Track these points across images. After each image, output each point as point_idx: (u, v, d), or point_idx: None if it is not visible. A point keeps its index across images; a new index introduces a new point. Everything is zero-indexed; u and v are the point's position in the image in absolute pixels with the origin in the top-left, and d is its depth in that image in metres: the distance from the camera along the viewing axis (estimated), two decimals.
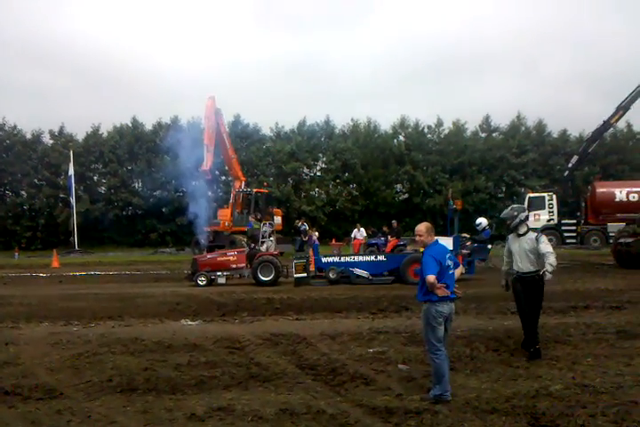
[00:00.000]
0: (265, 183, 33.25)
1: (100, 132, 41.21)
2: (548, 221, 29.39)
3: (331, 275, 15.23)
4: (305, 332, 8.26)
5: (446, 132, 42.94)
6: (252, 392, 5.49)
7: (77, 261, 26.14)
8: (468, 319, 9.10)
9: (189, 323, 9.53)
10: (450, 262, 5.29)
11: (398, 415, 4.74)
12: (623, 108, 28.21)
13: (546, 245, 6.50)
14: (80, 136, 41.10)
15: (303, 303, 11.53)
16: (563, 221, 29.73)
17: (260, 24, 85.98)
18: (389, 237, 21.74)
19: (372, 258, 15.87)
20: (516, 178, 40.36)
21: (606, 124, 29.14)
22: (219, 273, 15.65)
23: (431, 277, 5.02)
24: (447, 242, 13.10)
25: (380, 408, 4.92)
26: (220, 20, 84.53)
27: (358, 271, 15.22)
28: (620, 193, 28.59)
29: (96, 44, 70.09)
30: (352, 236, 26.10)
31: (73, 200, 33.73)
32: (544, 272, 6.34)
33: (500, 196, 41.88)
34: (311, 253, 16.98)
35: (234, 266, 15.89)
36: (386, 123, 48.42)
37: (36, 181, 39.44)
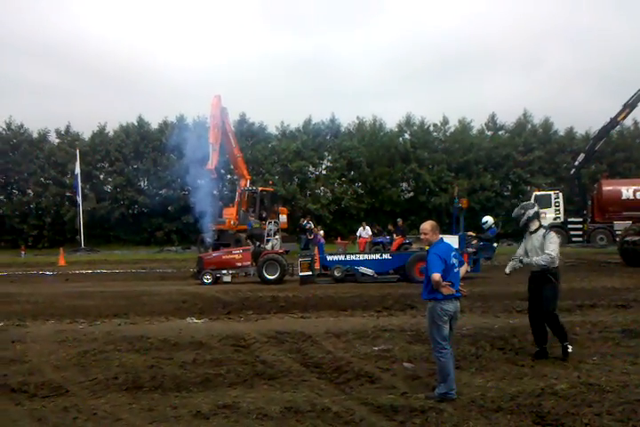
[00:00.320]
0: (270, 181, 33.26)
1: (106, 131, 41.32)
2: (555, 219, 29.27)
3: (336, 273, 15.23)
4: (310, 330, 8.27)
5: (452, 130, 42.80)
6: (257, 390, 5.50)
7: (84, 260, 26.26)
8: (473, 318, 9.09)
9: (195, 321, 9.56)
10: (455, 261, 5.28)
11: (403, 414, 4.74)
12: (630, 106, 27.98)
13: (550, 244, 6.33)
14: (86, 135, 41.29)
15: (308, 301, 11.53)
16: (569, 220, 29.58)
17: (266, 22, 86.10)
18: (395, 235, 21.70)
19: (378, 256, 15.86)
20: (522, 176, 40.16)
21: (613, 122, 28.95)
22: (224, 271, 15.69)
23: (436, 276, 5.02)
24: (452, 240, 13.09)
25: (385, 406, 4.91)
26: (226, 18, 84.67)
27: (363, 269, 15.21)
28: (627, 191, 28.43)
29: (102, 43, 70.51)
30: (357, 234, 26.12)
31: (79, 199, 33.83)
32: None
33: (505, 194, 41.76)
34: (316, 251, 17.01)
35: (239, 264, 15.92)
36: (391, 121, 48.50)
37: (42, 179, 39.57)
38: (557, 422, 4.50)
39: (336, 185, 40.88)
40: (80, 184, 33.92)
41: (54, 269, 21.24)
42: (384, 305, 10.70)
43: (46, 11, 76.09)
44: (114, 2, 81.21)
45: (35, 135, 40.64)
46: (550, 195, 29.98)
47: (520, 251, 6.79)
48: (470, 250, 15.17)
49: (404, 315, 9.72)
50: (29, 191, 39.98)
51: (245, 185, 27.66)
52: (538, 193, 30.43)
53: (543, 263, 6.31)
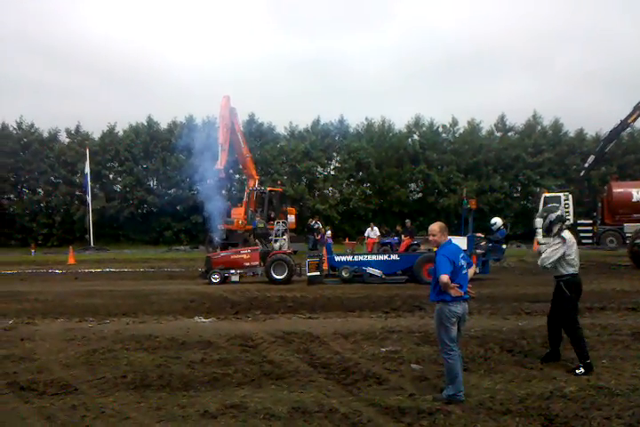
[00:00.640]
0: (278, 182, 33.30)
1: (116, 131, 41.53)
2: None
3: (344, 274, 15.22)
4: (318, 330, 8.26)
5: (461, 131, 42.65)
6: (264, 390, 5.51)
7: (93, 259, 26.39)
8: (481, 320, 9.05)
9: (203, 320, 9.58)
10: (463, 262, 5.26)
11: (411, 415, 4.73)
12: None
13: (549, 248, 6.21)
14: (96, 135, 41.52)
15: (316, 302, 11.53)
16: (579, 222, 29.42)
17: (275, 23, 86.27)
18: (403, 236, 21.68)
19: (386, 257, 15.83)
20: (532, 177, 39.93)
21: (623, 124, 28.80)
22: (232, 271, 15.72)
23: (444, 277, 4.99)
24: (461, 242, 13.06)
25: (392, 408, 4.90)
26: (235, 18, 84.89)
27: (371, 270, 15.19)
28: (637, 193, 28.28)
29: (112, 44, 70.88)
30: (365, 235, 26.13)
31: (89, 198, 34.03)
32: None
33: (515, 195, 41.56)
34: (324, 251, 17.00)
35: (247, 264, 15.94)
36: (400, 122, 48.42)
37: (52, 178, 39.90)
38: (566, 426, 4.47)
39: (344, 185, 40.89)
40: (90, 183, 34.13)
41: (64, 268, 21.36)
42: (392, 306, 10.68)
43: (57, 11, 76.61)
44: (124, 3, 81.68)
45: (45, 135, 41.01)
46: (560, 196, 29.77)
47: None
48: (479, 251, 15.12)
49: (412, 316, 9.70)
50: (39, 190, 40.29)
51: (254, 185, 27.72)
52: (547, 195, 30.25)
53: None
